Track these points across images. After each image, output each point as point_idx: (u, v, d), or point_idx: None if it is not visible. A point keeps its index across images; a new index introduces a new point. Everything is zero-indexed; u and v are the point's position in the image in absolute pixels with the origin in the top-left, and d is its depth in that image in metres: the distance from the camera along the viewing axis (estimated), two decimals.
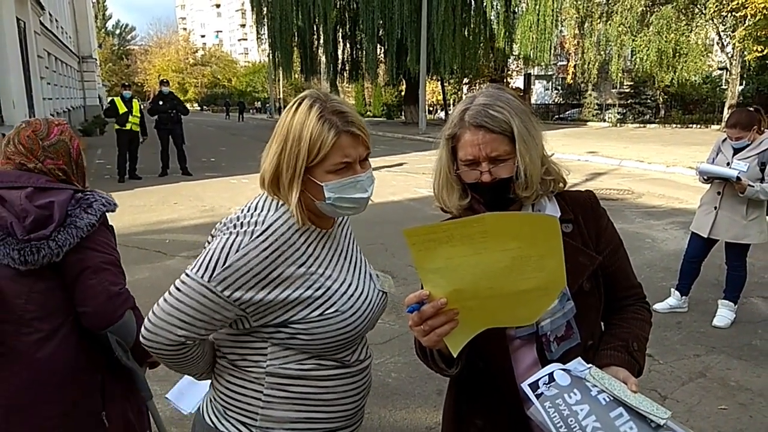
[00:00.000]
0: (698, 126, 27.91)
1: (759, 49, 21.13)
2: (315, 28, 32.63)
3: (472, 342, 1.18)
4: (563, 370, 1.18)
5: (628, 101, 33.59)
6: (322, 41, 32.59)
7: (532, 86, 41.47)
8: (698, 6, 25.61)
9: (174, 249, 6.70)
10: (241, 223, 1.32)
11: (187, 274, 1.28)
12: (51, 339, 1.66)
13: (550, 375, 1.17)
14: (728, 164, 4.30)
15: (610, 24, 27.84)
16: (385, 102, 46.85)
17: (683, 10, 25.91)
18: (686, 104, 31.28)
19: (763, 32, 20.68)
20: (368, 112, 49.54)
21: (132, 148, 12.00)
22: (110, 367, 1.79)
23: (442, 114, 43.09)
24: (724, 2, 22.37)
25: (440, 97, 42.88)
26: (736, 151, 4.34)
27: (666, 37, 25.72)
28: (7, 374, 1.64)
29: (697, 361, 3.90)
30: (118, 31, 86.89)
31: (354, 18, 33.09)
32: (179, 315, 1.27)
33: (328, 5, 30.28)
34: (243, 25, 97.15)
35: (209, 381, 1.51)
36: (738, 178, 4.12)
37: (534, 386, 1.16)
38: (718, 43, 26.94)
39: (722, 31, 25.90)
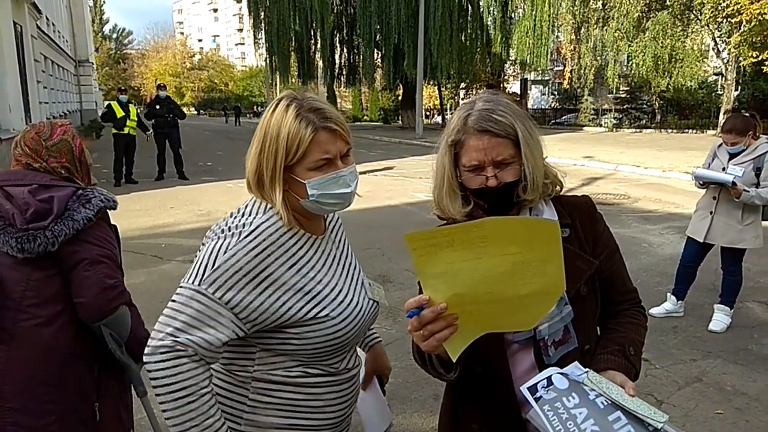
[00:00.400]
0: (694, 131, 28.03)
1: (754, 55, 21.22)
2: (312, 33, 32.69)
3: (470, 346, 1.18)
4: (561, 374, 1.18)
5: (624, 106, 33.69)
6: (319, 46, 32.65)
7: (528, 91, 41.57)
8: (694, 12, 25.77)
9: (170, 253, 6.69)
10: (229, 227, 1.33)
11: (181, 285, 1.29)
12: (48, 325, 1.74)
13: (549, 379, 1.17)
14: (724, 169, 4.31)
15: (606, 29, 27.98)
16: (382, 106, 46.91)
17: (679, 16, 26.08)
18: (682, 109, 31.40)
19: (758, 38, 20.78)
20: (365, 117, 49.62)
21: (128, 152, 12.00)
22: (107, 361, 1.84)
23: (438, 119, 43.15)
24: (720, 8, 22.49)
25: (437, 102, 42.96)
26: (732, 156, 4.36)
27: (662, 42, 25.87)
28: (6, 355, 1.72)
29: (693, 366, 3.91)
30: (115, 36, 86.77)
31: (351, 23, 33.18)
32: (175, 324, 1.24)
33: (325, 10, 30.36)
34: (240, 30, 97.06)
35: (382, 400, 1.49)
36: (733, 183, 4.14)
37: (533, 390, 1.16)
38: (713, 49, 27.11)
39: (718, 36, 26.07)
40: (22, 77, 15.42)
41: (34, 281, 1.74)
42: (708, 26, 25.30)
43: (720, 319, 4.49)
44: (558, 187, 1.44)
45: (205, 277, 1.25)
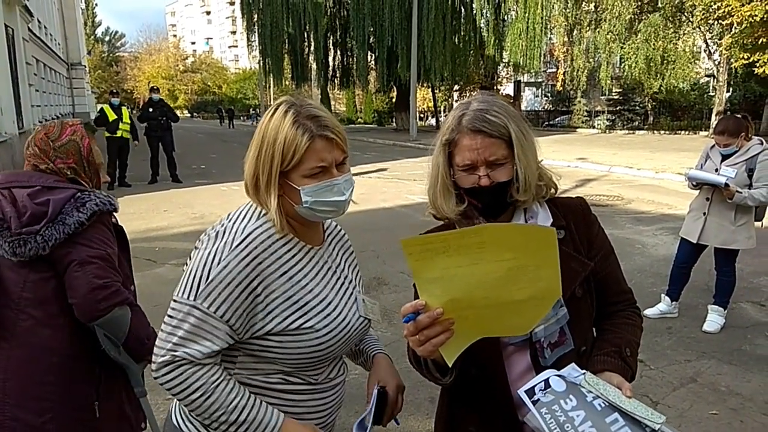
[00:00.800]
0: (686, 132, 28.19)
1: (745, 57, 21.37)
2: (306, 35, 32.71)
3: (466, 349, 1.18)
4: (558, 376, 1.18)
5: (617, 108, 33.88)
6: (312, 48, 32.65)
7: (521, 93, 41.73)
8: (685, 14, 25.94)
9: (164, 257, 6.66)
10: (219, 233, 1.34)
11: (175, 300, 1.29)
12: (46, 326, 1.77)
13: (546, 381, 1.17)
14: (717, 170, 4.34)
15: (598, 32, 28.15)
16: (376, 109, 46.96)
17: (671, 18, 26.24)
18: (674, 111, 31.60)
19: (749, 40, 20.93)
20: (359, 119, 49.63)
21: (122, 156, 11.95)
22: (110, 362, 1.85)
23: (432, 121, 43.25)
24: (711, 10, 22.64)
25: (431, 104, 43.07)
26: (725, 157, 4.38)
27: (654, 44, 26.05)
28: (8, 354, 1.76)
29: (687, 367, 3.92)
30: (107, 38, 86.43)
31: (345, 25, 33.21)
32: (174, 339, 1.27)
33: (318, 12, 30.38)
34: (233, 32, 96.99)
35: None
36: (726, 185, 4.16)
37: (530, 392, 1.16)
38: (705, 51, 27.30)
39: (709, 38, 26.26)
40: (14, 80, 15.35)
41: (30, 283, 1.76)
42: (699, 28, 25.49)
43: (714, 319, 4.51)
44: (552, 190, 1.45)
45: (200, 291, 1.26)
